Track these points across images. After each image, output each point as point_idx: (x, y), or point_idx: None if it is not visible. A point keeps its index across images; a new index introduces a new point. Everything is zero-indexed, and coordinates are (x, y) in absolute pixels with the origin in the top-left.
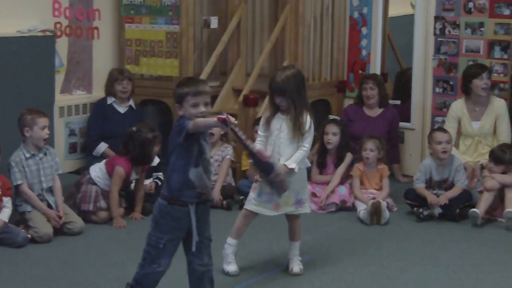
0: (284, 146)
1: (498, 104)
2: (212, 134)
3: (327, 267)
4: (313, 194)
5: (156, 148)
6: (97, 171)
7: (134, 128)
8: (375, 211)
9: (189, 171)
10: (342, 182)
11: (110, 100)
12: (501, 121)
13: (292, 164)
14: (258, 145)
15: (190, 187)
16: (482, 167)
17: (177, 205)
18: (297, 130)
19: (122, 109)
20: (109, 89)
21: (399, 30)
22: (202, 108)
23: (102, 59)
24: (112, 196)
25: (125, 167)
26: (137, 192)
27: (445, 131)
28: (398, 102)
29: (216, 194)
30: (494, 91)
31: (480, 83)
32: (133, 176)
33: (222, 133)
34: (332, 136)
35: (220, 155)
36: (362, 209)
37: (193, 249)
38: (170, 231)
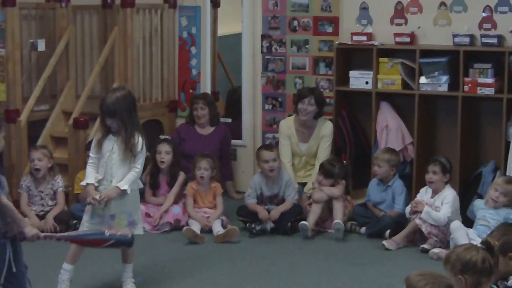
0: (116, 167)
1: (325, 126)
2: (37, 169)
3: (161, 287)
4: (147, 214)
5: None
6: None
7: None
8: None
9: None
10: (175, 202)
11: None
12: (324, 143)
13: (124, 186)
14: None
15: None
16: (309, 198)
17: None
18: (128, 151)
19: None
20: None
21: (229, 48)
22: None
23: None
24: None
25: None
26: None
27: (271, 149)
28: (229, 120)
29: (48, 221)
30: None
31: (301, 107)
32: None
33: (49, 166)
34: (166, 154)
35: (51, 189)
36: (196, 228)
37: (1, 281)
38: None
